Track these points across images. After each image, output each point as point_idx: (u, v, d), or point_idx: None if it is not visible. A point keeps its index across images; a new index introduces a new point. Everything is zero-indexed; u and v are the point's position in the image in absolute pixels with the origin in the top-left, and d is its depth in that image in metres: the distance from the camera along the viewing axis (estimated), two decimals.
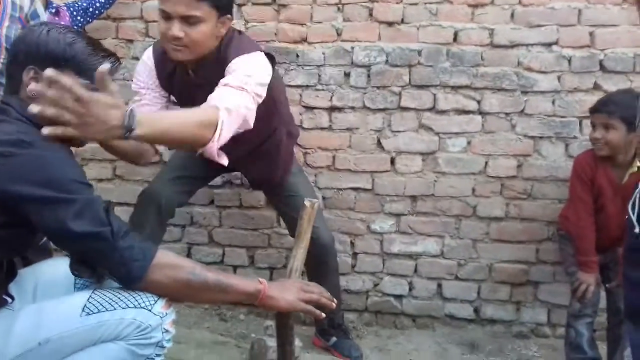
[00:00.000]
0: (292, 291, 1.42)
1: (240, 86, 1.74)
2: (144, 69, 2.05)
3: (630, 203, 1.35)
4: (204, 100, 1.71)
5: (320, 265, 2.28)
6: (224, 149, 1.65)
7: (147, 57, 2.06)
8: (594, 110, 2.23)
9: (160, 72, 2.02)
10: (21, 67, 1.29)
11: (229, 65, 1.83)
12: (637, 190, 1.35)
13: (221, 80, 1.77)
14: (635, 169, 2.18)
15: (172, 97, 2.11)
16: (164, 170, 2.32)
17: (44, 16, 2.22)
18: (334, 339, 2.45)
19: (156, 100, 2.06)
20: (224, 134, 1.61)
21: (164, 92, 2.07)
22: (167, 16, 1.78)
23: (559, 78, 2.54)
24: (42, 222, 1.20)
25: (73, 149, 1.36)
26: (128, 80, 2.70)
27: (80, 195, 1.20)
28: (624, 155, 2.19)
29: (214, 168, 2.16)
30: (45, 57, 1.28)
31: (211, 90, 1.75)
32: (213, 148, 1.58)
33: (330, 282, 2.31)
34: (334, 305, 1.50)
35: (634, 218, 1.32)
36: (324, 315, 1.48)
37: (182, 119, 1.54)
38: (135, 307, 1.24)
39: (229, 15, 1.87)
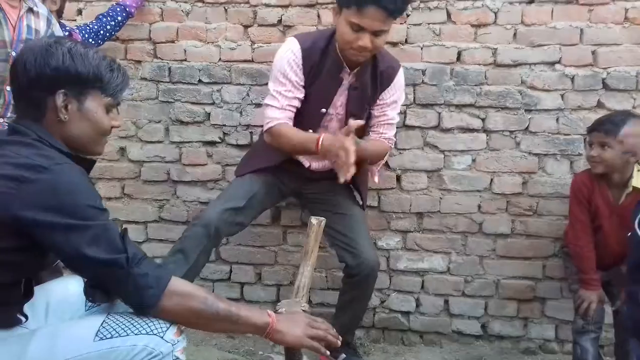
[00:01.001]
0: (300, 326, 1.43)
1: (396, 122, 2.32)
2: (289, 64, 2.11)
3: (637, 220, 1.36)
4: (356, 105, 2.18)
5: (355, 287, 2.29)
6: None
7: (293, 51, 2.12)
8: (592, 129, 2.27)
9: (305, 67, 2.11)
10: (46, 92, 1.28)
11: (394, 83, 2.23)
12: None
13: (386, 113, 2.26)
14: (631, 189, 2.21)
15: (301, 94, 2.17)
16: (222, 197, 2.30)
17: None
18: (342, 356, 2.43)
19: (293, 102, 2.15)
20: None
21: (301, 91, 2.15)
22: (359, 28, 1.95)
23: (562, 96, 2.57)
24: (56, 248, 1.21)
25: None
26: (136, 101, 2.76)
27: (95, 221, 1.21)
28: (620, 175, 2.22)
29: (277, 196, 2.38)
30: (75, 80, 1.29)
31: (362, 94, 2.18)
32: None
33: (359, 306, 2.36)
34: (339, 343, 1.51)
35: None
36: (328, 353, 1.49)
37: (378, 150, 2.26)
38: (148, 333, 1.26)
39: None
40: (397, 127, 2.56)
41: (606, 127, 2.19)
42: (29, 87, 1.29)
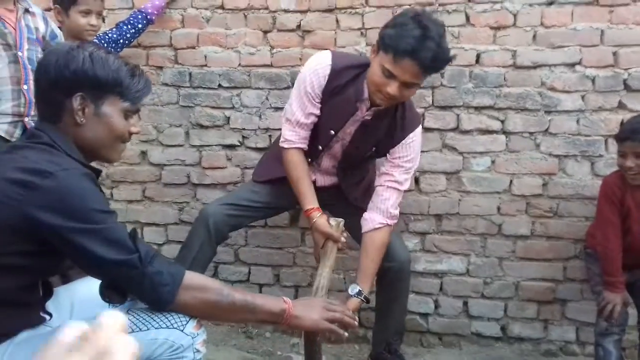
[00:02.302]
0: (316, 310, 1.45)
1: (404, 190, 2.15)
2: (315, 75, 2.08)
3: None
4: (363, 140, 2.11)
5: (390, 287, 2.28)
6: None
7: (323, 66, 2.07)
8: (624, 138, 2.18)
9: (328, 86, 2.08)
10: (64, 94, 1.29)
11: (407, 140, 2.11)
12: None
13: (393, 174, 2.11)
14: None
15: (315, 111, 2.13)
16: (225, 195, 2.36)
17: (62, 36, 2.31)
18: None
19: (308, 120, 2.12)
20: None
21: (316, 107, 2.11)
22: (390, 75, 1.88)
23: (582, 97, 2.55)
24: (68, 251, 1.24)
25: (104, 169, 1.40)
26: (158, 106, 2.80)
27: (104, 224, 1.22)
28: None
29: (285, 205, 2.37)
30: (94, 84, 1.29)
31: (373, 134, 2.09)
32: None
33: (398, 306, 2.34)
34: (356, 324, 1.53)
35: None
36: (346, 334, 1.51)
37: (380, 252, 2.10)
38: (168, 327, 1.28)
39: None
40: None
41: None
42: (48, 89, 1.31)
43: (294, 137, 2.16)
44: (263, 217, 2.54)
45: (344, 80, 2.07)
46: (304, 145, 2.18)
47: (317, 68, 2.08)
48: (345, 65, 2.08)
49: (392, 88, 1.89)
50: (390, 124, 2.11)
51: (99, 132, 1.33)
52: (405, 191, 2.62)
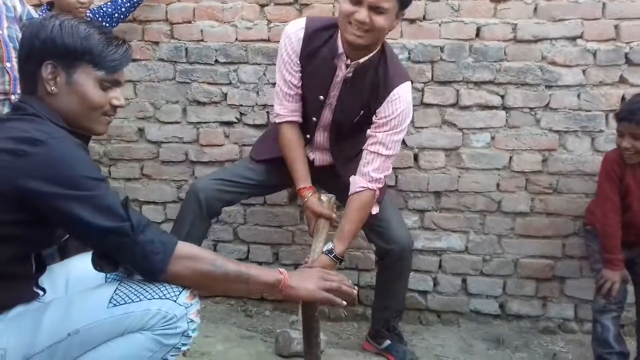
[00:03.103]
0: (312, 280, 1.44)
1: (390, 154, 2.08)
2: (289, 41, 2.07)
3: None
4: (349, 102, 2.07)
5: (391, 267, 2.27)
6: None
7: (296, 30, 2.07)
8: (622, 118, 2.17)
9: (304, 50, 2.06)
10: (37, 64, 1.28)
11: (391, 96, 2.03)
12: None
13: (377, 134, 2.05)
14: None
15: (294, 80, 2.12)
16: (217, 170, 2.35)
17: (37, 17, 2.27)
18: (387, 341, 2.38)
19: (291, 90, 2.11)
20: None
21: (295, 75, 2.09)
22: (356, 1, 1.87)
23: (583, 72, 2.52)
24: (60, 219, 1.23)
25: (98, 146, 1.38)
26: (154, 82, 2.77)
27: (95, 191, 1.21)
28: None
29: (280, 182, 2.32)
30: (62, 51, 1.28)
31: (357, 95, 2.05)
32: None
33: (398, 286, 2.33)
34: (355, 293, 1.51)
35: None
36: (345, 303, 1.49)
37: (362, 215, 2.09)
38: (161, 298, 1.27)
39: (404, 12, 1.97)
40: (413, 106, 2.51)
41: (638, 117, 2.09)
42: (24, 61, 1.32)
43: (282, 111, 2.15)
44: (258, 195, 2.53)
45: (319, 42, 2.05)
46: (296, 118, 2.16)
47: (290, 34, 2.08)
48: (319, 27, 2.06)
49: (361, 14, 1.86)
50: (373, 82, 2.06)
51: (73, 101, 1.32)
52: (405, 168, 2.65)
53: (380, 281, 2.38)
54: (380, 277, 2.37)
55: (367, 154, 2.09)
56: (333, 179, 2.28)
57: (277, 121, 2.18)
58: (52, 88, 1.29)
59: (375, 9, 1.86)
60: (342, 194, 2.17)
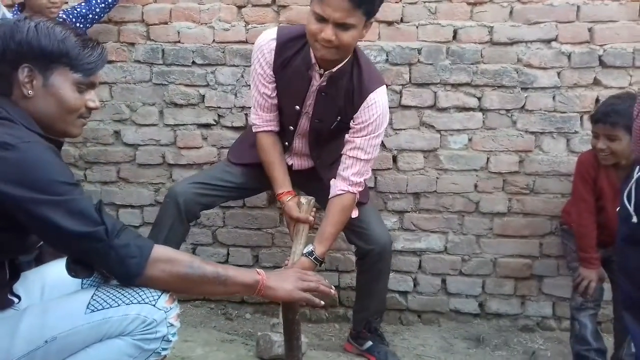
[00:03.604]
0: (290, 280, 1.44)
1: (369, 159, 2.09)
2: (261, 52, 2.05)
3: (625, 194, 1.35)
4: (325, 110, 2.07)
5: (371, 268, 2.27)
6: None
7: (267, 42, 2.04)
8: (597, 120, 2.19)
9: (277, 60, 2.04)
10: (12, 66, 1.26)
11: (367, 102, 2.03)
12: (632, 181, 1.35)
13: (355, 140, 2.06)
14: None
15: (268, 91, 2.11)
16: (195, 173, 2.35)
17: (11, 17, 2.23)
18: (369, 342, 2.39)
19: (266, 102, 2.11)
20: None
21: (268, 86, 2.09)
22: (320, 18, 1.83)
23: (558, 74, 2.55)
24: (32, 225, 1.21)
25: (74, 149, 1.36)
26: (130, 84, 2.74)
27: (68, 196, 1.20)
28: (626, 160, 2.18)
29: (259, 185, 2.31)
30: (38, 54, 1.26)
31: (333, 103, 2.05)
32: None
33: (379, 286, 2.33)
34: (333, 292, 1.52)
35: (630, 209, 1.33)
36: (323, 303, 1.50)
37: (343, 217, 2.10)
38: (139, 302, 1.26)
39: (371, 20, 1.93)
40: (391, 108, 2.53)
41: (612, 119, 2.11)
42: None
43: (258, 121, 2.15)
44: (238, 198, 2.51)
45: (292, 52, 2.03)
46: (273, 127, 2.16)
47: (262, 45, 2.06)
48: (291, 36, 2.04)
49: (327, 32, 1.82)
50: (348, 89, 2.05)
51: (50, 104, 1.30)
52: (384, 170, 2.66)
53: (360, 282, 2.38)
54: (361, 278, 2.37)
55: (346, 159, 2.09)
56: (313, 181, 2.28)
57: (254, 130, 2.17)
58: (29, 92, 1.27)
59: (341, 26, 1.83)
60: (322, 196, 2.16)
